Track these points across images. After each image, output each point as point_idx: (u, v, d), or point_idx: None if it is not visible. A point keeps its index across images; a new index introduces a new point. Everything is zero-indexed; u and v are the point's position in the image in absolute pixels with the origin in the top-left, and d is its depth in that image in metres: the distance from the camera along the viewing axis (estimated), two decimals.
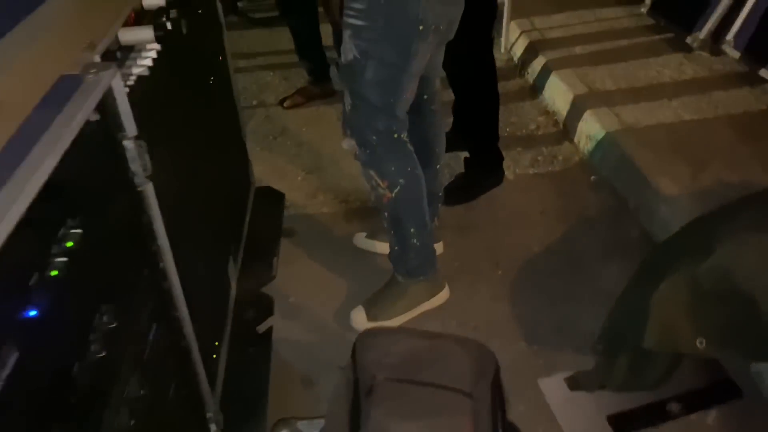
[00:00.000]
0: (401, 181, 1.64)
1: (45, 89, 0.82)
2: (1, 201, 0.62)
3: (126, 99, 0.93)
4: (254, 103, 3.02)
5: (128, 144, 0.95)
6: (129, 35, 1.06)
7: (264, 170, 2.42)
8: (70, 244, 0.77)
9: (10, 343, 0.62)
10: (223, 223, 1.68)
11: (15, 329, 0.64)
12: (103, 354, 0.82)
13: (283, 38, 3.18)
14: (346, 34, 1.50)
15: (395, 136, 1.61)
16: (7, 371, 0.61)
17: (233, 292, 1.79)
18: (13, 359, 0.62)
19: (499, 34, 3.25)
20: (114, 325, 0.87)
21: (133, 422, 0.92)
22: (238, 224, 1.95)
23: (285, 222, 2.22)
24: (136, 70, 1.08)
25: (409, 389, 1.14)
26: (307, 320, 1.86)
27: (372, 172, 1.64)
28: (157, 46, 1.14)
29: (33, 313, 0.67)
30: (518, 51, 3.22)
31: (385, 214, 1.71)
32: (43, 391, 0.71)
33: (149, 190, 1.01)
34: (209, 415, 1.30)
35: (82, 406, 0.77)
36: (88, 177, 0.87)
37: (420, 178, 1.69)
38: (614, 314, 1.53)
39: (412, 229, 1.71)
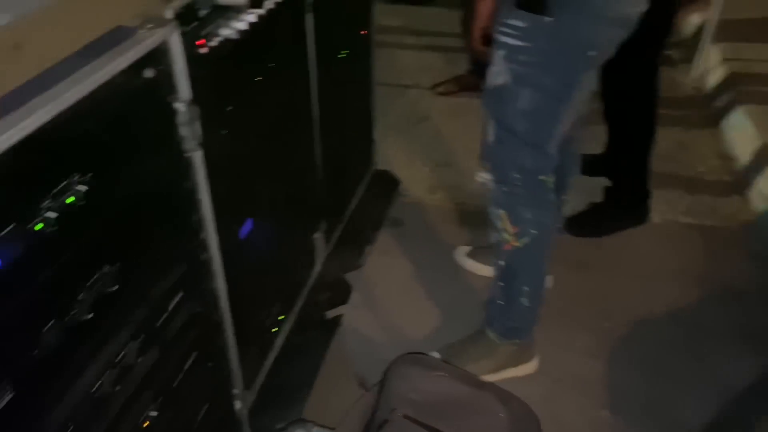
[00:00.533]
0: (533, 232, 1.41)
1: (96, 36, 0.80)
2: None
3: (182, 59, 0.89)
4: (408, 83, 2.95)
5: (180, 107, 0.91)
6: None
7: (392, 154, 2.35)
8: (70, 199, 0.74)
9: None
10: (311, 199, 1.63)
11: None
12: (89, 317, 0.80)
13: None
14: (499, 54, 1.29)
15: (541, 177, 1.38)
16: None
17: (316, 269, 1.76)
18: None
19: (688, 58, 2.85)
20: (115, 288, 0.84)
21: (128, 385, 0.91)
22: (340, 203, 1.91)
23: (395, 211, 2.14)
24: (225, 32, 1.04)
25: None
26: (381, 318, 1.78)
27: (502, 213, 1.42)
28: (257, 11, 1.09)
29: None
30: (712, 80, 2.80)
31: (500, 262, 1.49)
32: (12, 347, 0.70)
33: (197, 157, 0.97)
34: (235, 391, 1.28)
35: (50, 365, 0.75)
36: (125, 131, 0.84)
37: (552, 233, 1.47)
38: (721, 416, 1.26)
39: (525, 288, 1.48)
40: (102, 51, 0.79)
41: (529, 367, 1.62)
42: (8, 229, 0.66)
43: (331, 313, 1.73)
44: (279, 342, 1.55)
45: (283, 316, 1.59)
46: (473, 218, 2.11)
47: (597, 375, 1.63)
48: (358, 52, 1.87)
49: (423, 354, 1.33)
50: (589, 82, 1.34)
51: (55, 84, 0.72)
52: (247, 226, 1.29)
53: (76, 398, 0.82)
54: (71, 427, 0.81)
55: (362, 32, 1.86)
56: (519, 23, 1.22)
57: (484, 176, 1.42)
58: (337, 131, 1.73)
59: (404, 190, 2.24)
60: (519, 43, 1.24)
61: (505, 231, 1.42)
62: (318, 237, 1.72)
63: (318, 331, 1.67)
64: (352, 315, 1.74)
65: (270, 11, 1.14)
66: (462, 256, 1.93)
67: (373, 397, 1.11)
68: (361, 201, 2.04)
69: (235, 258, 1.20)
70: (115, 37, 0.82)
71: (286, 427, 1.31)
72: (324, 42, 1.49)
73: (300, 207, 1.56)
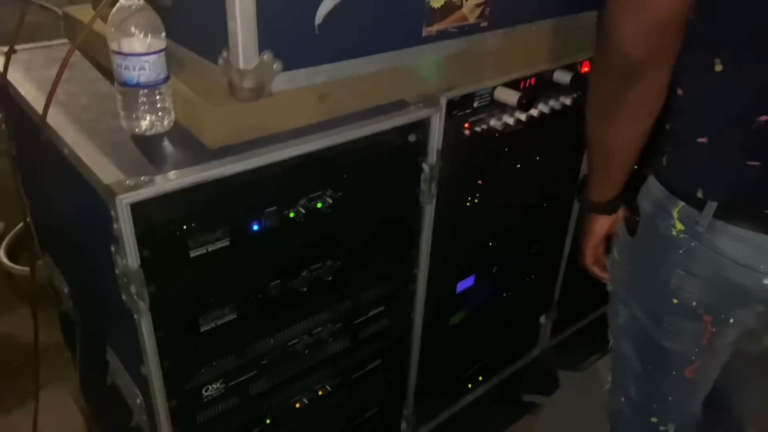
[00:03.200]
0: None
1: (384, 102, 1.11)
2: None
3: (439, 135, 1.14)
4: None
5: (425, 167, 1.16)
6: (502, 93, 1.25)
7: None
8: (319, 205, 1.05)
9: (225, 229, 0.95)
10: (545, 284, 1.74)
11: (236, 230, 0.97)
12: (303, 290, 1.10)
13: None
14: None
15: (653, 419, 1.14)
16: (223, 243, 0.94)
17: (535, 352, 1.85)
18: (225, 243, 0.95)
19: None
20: (330, 278, 1.13)
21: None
22: (580, 298, 1.95)
23: None
24: (492, 122, 1.27)
25: None
26: (568, 428, 1.77)
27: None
28: (530, 113, 1.29)
29: (255, 227, 0.99)
30: None
31: None
32: (246, 287, 1.03)
33: (428, 208, 1.21)
34: (405, 412, 1.47)
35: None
36: (380, 171, 1.13)
37: None
38: None
39: None
40: (382, 113, 1.09)
41: None
42: (270, 209, 0.99)
43: (528, 398, 1.79)
44: (469, 397, 1.69)
45: (482, 378, 1.72)
46: None
47: None
48: None
49: None
50: (698, 336, 1.02)
51: (341, 125, 1.04)
52: (467, 282, 1.48)
53: (275, 344, 1.12)
54: (265, 361, 1.12)
55: None
56: (620, 232, 1.10)
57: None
58: None
59: None
60: (616, 254, 1.11)
61: None
62: (544, 322, 1.80)
63: (508, 407, 1.75)
64: (547, 410, 1.77)
65: (542, 114, 1.33)
66: None
67: None
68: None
69: (443, 303, 1.41)
70: (395, 106, 1.11)
71: None
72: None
73: (532, 286, 1.68)
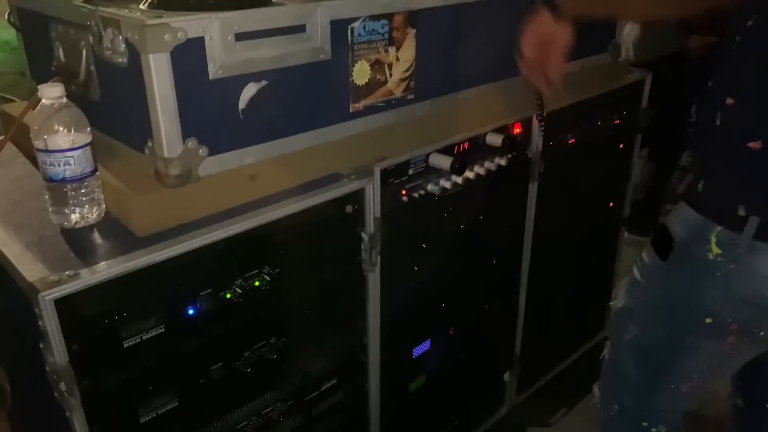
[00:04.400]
0: None
1: (317, 176, 1.13)
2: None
3: (375, 204, 1.16)
4: None
5: (364, 237, 1.18)
6: (436, 159, 1.28)
7: None
8: (257, 283, 1.05)
9: (159, 316, 0.94)
10: (504, 341, 1.74)
11: (171, 315, 0.96)
12: (247, 371, 1.08)
13: None
14: (627, 278, 1.19)
15: (644, 424, 1.19)
16: (158, 331, 0.94)
17: (502, 411, 1.83)
18: (160, 330, 0.95)
19: None
20: (274, 356, 1.12)
21: None
22: (545, 353, 1.94)
23: None
24: (431, 188, 1.29)
25: None
26: None
27: None
28: (467, 175, 1.33)
29: (191, 312, 0.98)
30: None
31: None
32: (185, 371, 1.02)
33: (372, 276, 1.22)
34: None
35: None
36: (319, 244, 1.14)
37: None
38: None
39: None
40: (316, 186, 1.11)
41: None
42: (205, 292, 0.99)
43: None
44: None
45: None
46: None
47: None
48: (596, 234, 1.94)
49: None
50: (712, 355, 1.08)
51: (274, 202, 1.05)
52: (423, 346, 1.47)
53: (223, 428, 1.10)
54: None
55: (610, 204, 1.94)
56: (645, 257, 1.13)
57: (596, 391, 1.30)
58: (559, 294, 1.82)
59: None
60: (639, 276, 1.14)
61: None
62: (509, 379, 1.79)
63: None
64: None
65: (478, 176, 1.36)
66: None
67: None
68: (578, 361, 2.04)
69: (400, 369, 1.40)
70: (330, 179, 1.13)
71: None
72: (549, 213, 1.62)
73: (491, 343, 1.68)
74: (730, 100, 0.94)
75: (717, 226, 0.98)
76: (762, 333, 1.03)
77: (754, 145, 0.92)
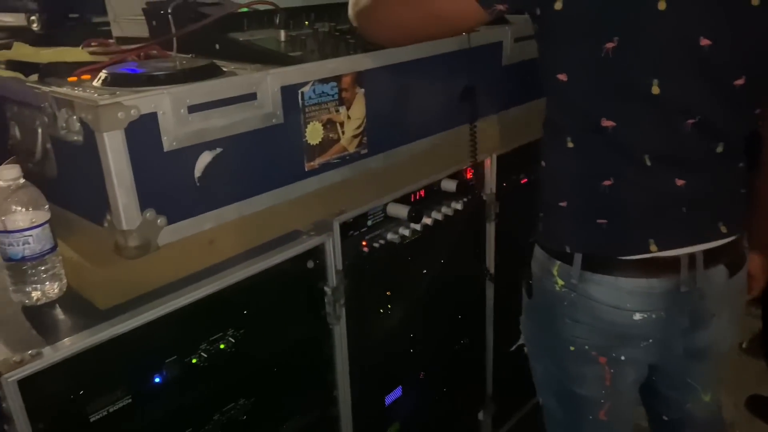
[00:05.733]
0: None
1: (276, 235, 1.16)
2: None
3: (336, 257, 1.19)
4: None
5: (327, 291, 1.20)
6: (393, 209, 1.32)
7: None
8: (222, 346, 1.06)
9: (125, 387, 0.94)
10: (475, 381, 1.76)
11: (137, 385, 0.97)
12: None
13: None
14: None
15: None
16: (125, 402, 0.94)
17: None
18: (126, 401, 0.95)
19: None
20: (244, 418, 1.13)
21: None
22: (520, 390, 1.96)
23: None
24: (391, 237, 1.33)
25: None
26: None
27: None
28: (425, 222, 1.37)
29: (157, 380, 0.99)
30: None
31: None
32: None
33: (337, 330, 1.24)
34: None
35: None
36: (282, 302, 1.16)
37: None
38: None
39: None
40: (276, 245, 1.13)
41: None
42: (170, 359, 1.00)
43: None
44: None
45: None
46: None
47: None
48: None
49: None
50: (599, 378, 1.14)
51: (234, 264, 1.07)
52: (395, 393, 1.48)
53: None
54: None
55: None
56: (523, 297, 1.24)
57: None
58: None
59: None
60: (523, 316, 1.27)
61: None
62: (483, 419, 1.80)
63: None
64: None
65: (436, 221, 1.40)
66: None
67: None
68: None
69: (373, 419, 1.41)
70: (289, 237, 1.16)
71: None
72: (508, 250, 1.67)
73: (463, 384, 1.70)
74: (543, 164, 1.14)
75: (557, 261, 1.12)
76: (623, 357, 1.13)
77: (562, 203, 1.10)
